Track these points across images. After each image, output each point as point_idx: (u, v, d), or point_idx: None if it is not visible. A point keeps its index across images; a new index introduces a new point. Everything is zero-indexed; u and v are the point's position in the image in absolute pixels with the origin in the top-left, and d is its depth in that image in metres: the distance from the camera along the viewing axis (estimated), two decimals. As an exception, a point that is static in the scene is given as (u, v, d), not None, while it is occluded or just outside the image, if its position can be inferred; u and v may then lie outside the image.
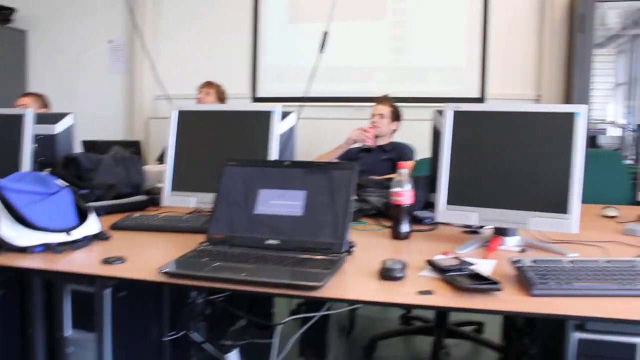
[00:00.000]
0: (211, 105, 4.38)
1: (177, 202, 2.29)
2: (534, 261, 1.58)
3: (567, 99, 4.50)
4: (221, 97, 4.69)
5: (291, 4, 5.29)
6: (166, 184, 2.29)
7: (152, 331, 1.99)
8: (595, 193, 2.82)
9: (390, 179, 2.14)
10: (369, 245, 1.96)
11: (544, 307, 1.37)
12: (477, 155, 1.95)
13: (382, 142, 4.09)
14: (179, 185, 2.28)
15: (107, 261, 1.71)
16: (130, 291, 1.77)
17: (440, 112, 2.15)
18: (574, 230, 1.80)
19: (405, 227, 2.05)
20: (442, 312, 3.03)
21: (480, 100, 4.85)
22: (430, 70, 5.00)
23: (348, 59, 5.09)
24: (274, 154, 2.13)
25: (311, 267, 1.61)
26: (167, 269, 1.60)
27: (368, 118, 4.15)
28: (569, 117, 1.81)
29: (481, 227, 2.15)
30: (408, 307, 3.14)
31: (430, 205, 2.26)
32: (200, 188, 2.21)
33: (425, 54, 4.98)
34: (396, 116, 4.12)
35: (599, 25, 4.32)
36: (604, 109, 4.51)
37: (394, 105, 4.13)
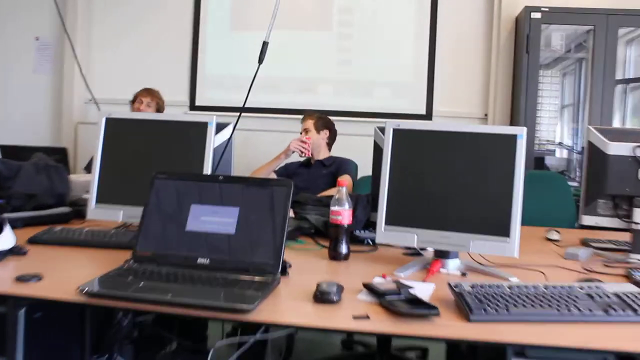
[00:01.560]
0: (142, 113, 4.26)
1: (104, 216, 2.23)
2: (473, 286, 1.61)
3: (514, 119, 4.63)
4: (160, 108, 4.54)
5: (233, 11, 5.28)
6: (91, 196, 2.24)
7: (72, 355, 1.92)
8: (540, 215, 2.91)
9: (330, 197, 2.14)
10: (305, 266, 1.96)
11: (483, 334, 1.39)
12: (417, 174, 1.98)
13: (321, 156, 4.11)
14: (105, 197, 2.23)
15: (22, 279, 1.65)
16: (48, 312, 1.71)
17: (381, 129, 2.17)
18: (514, 254, 1.84)
19: (343, 248, 2.05)
20: (384, 337, 3.05)
21: (427, 117, 4.93)
22: (377, 85, 5.06)
23: (291, 69, 5.11)
24: (208, 167, 2.11)
25: (243, 288, 1.60)
26: (87, 289, 1.55)
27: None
28: (511, 139, 1.86)
29: (423, 248, 2.18)
30: (343, 332, 3.14)
31: (372, 225, 2.28)
32: (128, 201, 2.17)
33: (372, 67, 5.04)
34: (322, 125, 4.13)
35: (545, 47, 4.47)
36: (553, 130, 4.65)
37: (317, 117, 4.17)
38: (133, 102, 4.51)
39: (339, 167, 3.97)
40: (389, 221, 1.99)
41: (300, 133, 4.14)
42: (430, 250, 2.13)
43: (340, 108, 4.91)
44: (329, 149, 4.17)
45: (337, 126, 4.20)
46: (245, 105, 2.29)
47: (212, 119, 2.16)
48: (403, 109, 4.97)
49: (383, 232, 2.00)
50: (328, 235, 2.12)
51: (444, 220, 1.92)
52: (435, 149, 1.96)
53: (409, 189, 1.98)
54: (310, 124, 4.12)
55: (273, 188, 1.85)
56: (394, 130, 2.01)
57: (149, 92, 4.49)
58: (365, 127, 4.42)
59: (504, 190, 1.85)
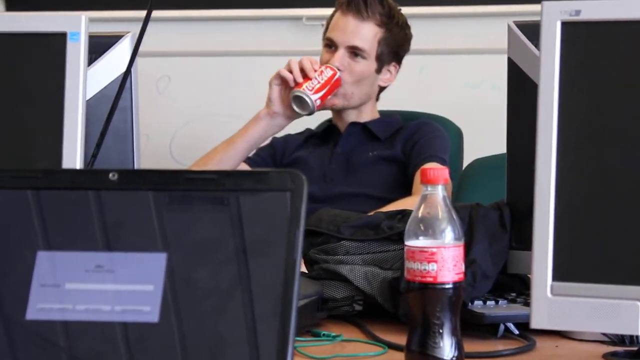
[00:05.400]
0: None
1: None
2: None
3: None
4: None
5: None
6: None
7: None
8: None
9: (399, 216, 0.99)
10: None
11: None
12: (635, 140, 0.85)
13: (363, 115, 1.93)
14: None
15: None
16: None
17: (524, 27, 1.09)
18: None
19: (446, 348, 0.87)
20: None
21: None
22: None
23: None
24: (76, 151, 0.97)
25: None
26: None
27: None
28: None
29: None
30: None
31: (513, 284, 1.09)
32: None
33: None
34: (394, 45, 1.87)
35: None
36: None
37: (387, 16, 1.84)
38: None
39: (414, 140, 1.85)
40: (565, 271, 0.85)
41: (330, 47, 1.87)
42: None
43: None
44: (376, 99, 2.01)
45: (420, 32, 2.00)
46: None
47: (80, 21, 0.99)
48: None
49: (550, 300, 0.84)
50: (399, 315, 1.01)
51: None
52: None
53: (618, 180, 0.86)
54: (370, 32, 1.82)
55: (252, 197, 0.78)
56: (566, 25, 0.85)
57: None
58: (466, 28, 2.39)
59: None
